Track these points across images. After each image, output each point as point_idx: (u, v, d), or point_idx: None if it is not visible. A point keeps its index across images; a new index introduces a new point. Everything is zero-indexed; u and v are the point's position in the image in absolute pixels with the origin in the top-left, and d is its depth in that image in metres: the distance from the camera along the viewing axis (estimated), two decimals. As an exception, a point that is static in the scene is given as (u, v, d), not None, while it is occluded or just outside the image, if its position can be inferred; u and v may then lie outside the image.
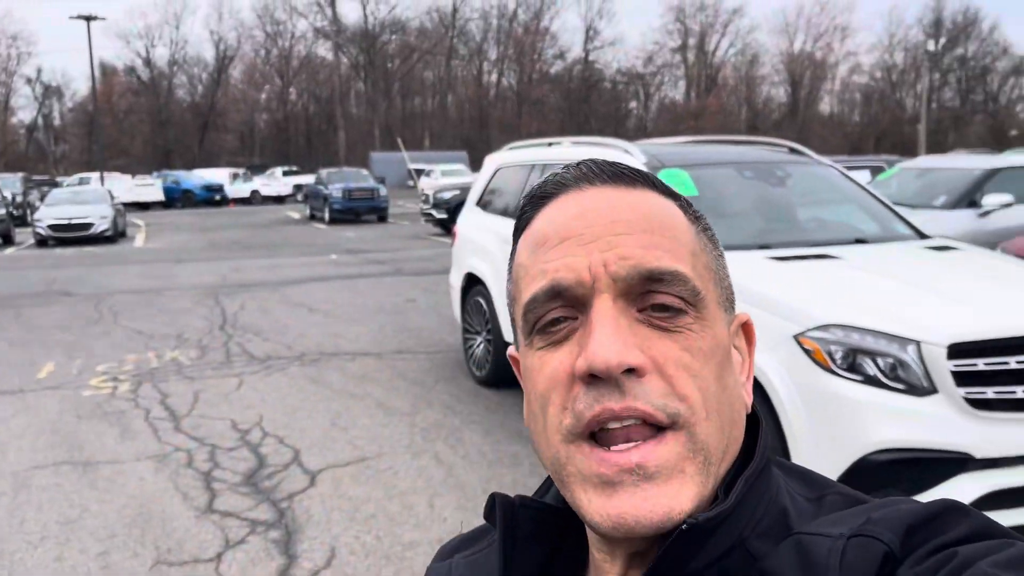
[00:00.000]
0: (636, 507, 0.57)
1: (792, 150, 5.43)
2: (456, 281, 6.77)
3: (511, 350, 0.73)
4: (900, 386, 3.23)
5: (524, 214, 0.69)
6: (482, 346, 6.33)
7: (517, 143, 6.67)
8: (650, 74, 73.84)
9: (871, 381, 3.26)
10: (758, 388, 3.51)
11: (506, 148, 6.77)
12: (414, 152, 49.37)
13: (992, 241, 6.61)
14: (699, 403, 0.59)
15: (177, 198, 36.89)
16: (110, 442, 5.21)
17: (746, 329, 0.71)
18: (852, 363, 3.30)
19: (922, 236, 4.67)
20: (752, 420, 0.68)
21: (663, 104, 75.64)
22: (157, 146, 66.81)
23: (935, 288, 3.55)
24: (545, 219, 0.66)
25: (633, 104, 76.85)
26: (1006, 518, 3.18)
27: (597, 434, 0.59)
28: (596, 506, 0.59)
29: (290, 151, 68.74)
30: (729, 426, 0.62)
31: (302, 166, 51.22)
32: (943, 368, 3.18)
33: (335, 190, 24.77)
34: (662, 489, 0.58)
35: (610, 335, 0.58)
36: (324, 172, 27.46)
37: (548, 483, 0.74)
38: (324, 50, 69.95)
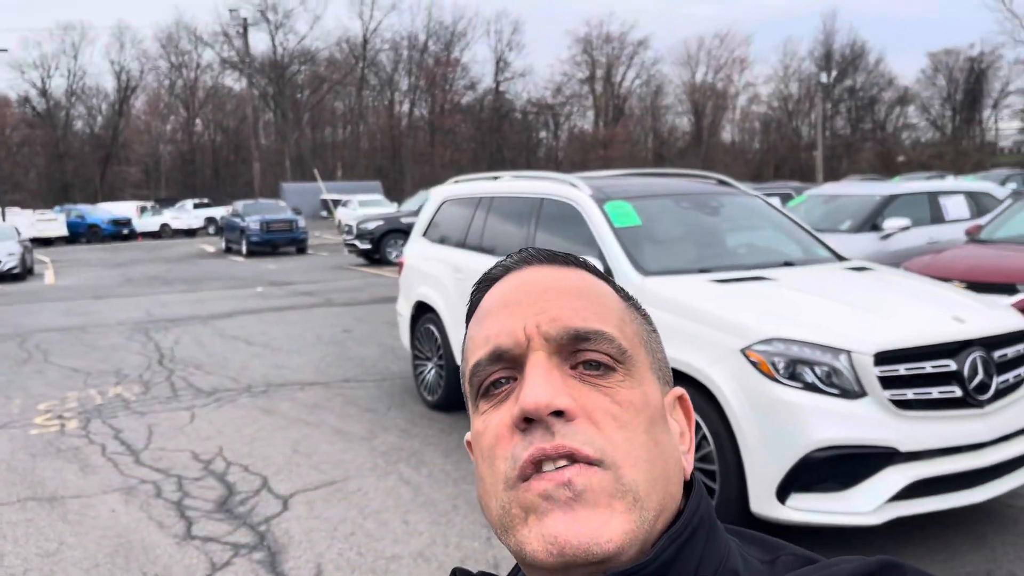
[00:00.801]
0: (567, 527, 0.60)
1: (720, 182, 5.92)
2: (405, 309, 7.00)
3: (468, 436, 0.74)
4: (835, 391, 3.67)
5: (474, 298, 0.76)
6: (433, 371, 6.57)
7: (463, 177, 6.98)
8: (559, 104, 75.46)
9: (810, 387, 3.68)
10: (711, 398, 3.90)
11: (451, 181, 7.07)
12: (329, 183, 49.13)
13: (894, 261, 7.26)
14: (625, 450, 0.63)
15: (82, 233, 35.65)
16: (71, 477, 5.22)
17: (683, 404, 0.74)
18: (793, 372, 3.72)
19: (840, 258, 5.19)
20: (689, 489, 0.70)
21: (573, 133, 77.34)
22: (54, 179, 64.32)
23: (860, 304, 4.03)
24: (490, 297, 0.72)
25: (544, 133, 78.28)
26: (926, 505, 3.66)
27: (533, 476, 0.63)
28: (534, 531, 0.61)
29: (196, 183, 67.20)
30: (664, 482, 0.65)
31: (211, 198, 50.19)
32: (871, 374, 3.63)
33: (252, 222, 24.49)
34: (591, 513, 0.61)
35: (541, 381, 0.64)
36: (240, 204, 27.11)
37: (515, 570, 0.75)
38: (231, 80, 68.91)
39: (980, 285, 6.45)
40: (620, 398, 0.65)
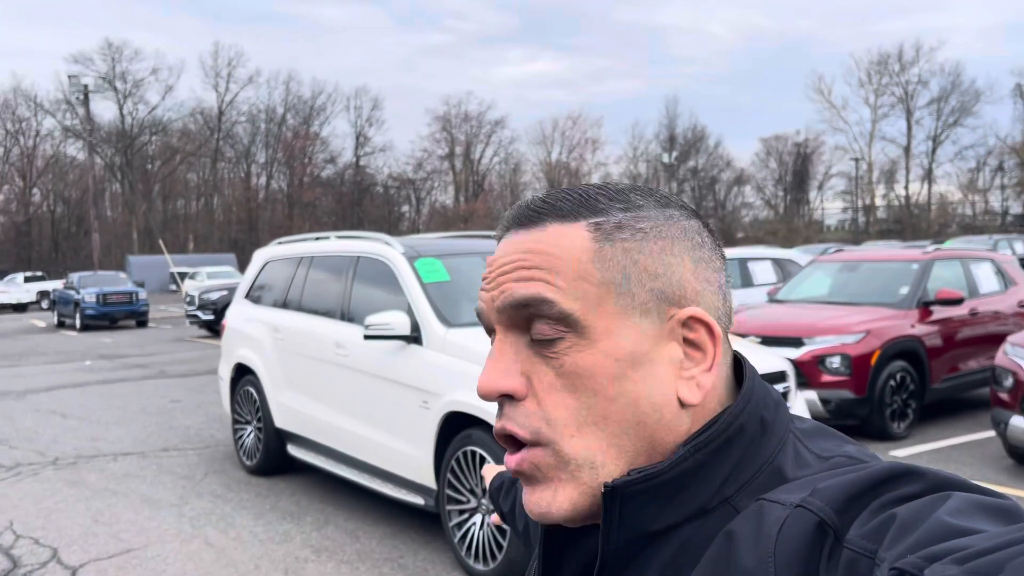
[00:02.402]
0: (529, 500, 0.68)
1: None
2: (225, 372, 6.87)
3: None
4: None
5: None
6: (252, 435, 6.44)
7: (285, 238, 7.00)
8: (420, 179, 76.39)
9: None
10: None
11: (274, 243, 7.08)
12: (179, 256, 47.26)
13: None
14: (563, 422, 0.65)
15: None
16: None
17: (697, 320, 0.68)
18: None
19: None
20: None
21: (434, 208, 78.25)
22: None
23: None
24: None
25: (406, 208, 78.81)
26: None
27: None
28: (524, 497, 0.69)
29: (32, 256, 63.04)
30: (634, 428, 0.66)
31: (48, 271, 47.21)
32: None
33: (88, 294, 23.20)
34: (539, 490, 0.67)
35: (490, 365, 0.68)
36: (76, 276, 25.64)
37: None
38: (74, 149, 65.79)
39: (772, 339, 7.03)
40: (565, 367, 0.65)
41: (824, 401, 6.86)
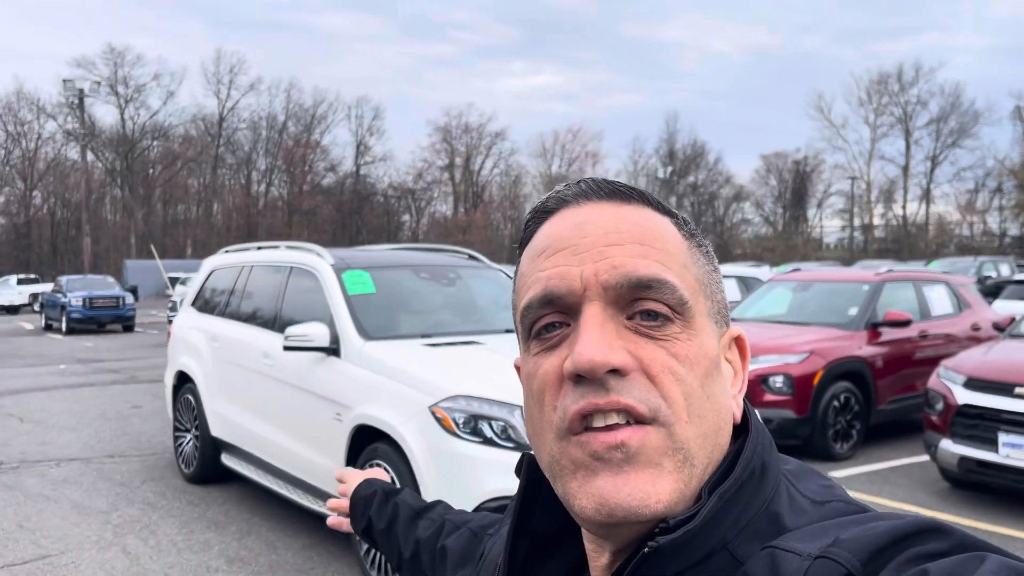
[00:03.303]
0: (616, 490, 0.59)
1: (471, 256, 6.26)
2: (168, 380, 6.89)
3: (515, 359, 0.73)
4: (510, 444, 3.92)
5: (527, 228, 0.72)
6: (191, 443, 6.45)
7: (232, 247, 7.03)
8: (420, 189, 76.58)
9: (488, 442, 3.92)
10: (397, 451, 4.07)
11: (222, 251, 7.11)
12: (176, 261, 47.30)
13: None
14: (680, 405, 0.61)
15: None
16: None
17: (739, 344, 0.71)
18: (474, 427, 3.96)
19: (566, 328, 5.58)
20: (743, 432, 0.68)
21: (434, 218, 78.43)
22: None
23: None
24: (544, 232, 0.68)
25: (406, 217, 78.97)
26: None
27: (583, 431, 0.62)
28: (584, 489, 0.61)
29: (31, 258, 63.23)
30: (713, 433, 0.63)
31: (45, 274, 47.33)
32: (540, 428, 3.91)
33: (74, 298, 23.26)
34: (640, 475, 0.60)
35: (596, 337, 0.61)
36: (64, 279, 25.74)
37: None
38: (76, 153, 66.06)
39: (716, 357, 7.02)
40: (677, 351, 0.62)
41: (766, 420, 6.85)
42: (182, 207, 72.54)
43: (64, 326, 23.30)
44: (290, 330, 4.87)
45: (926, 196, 63.38)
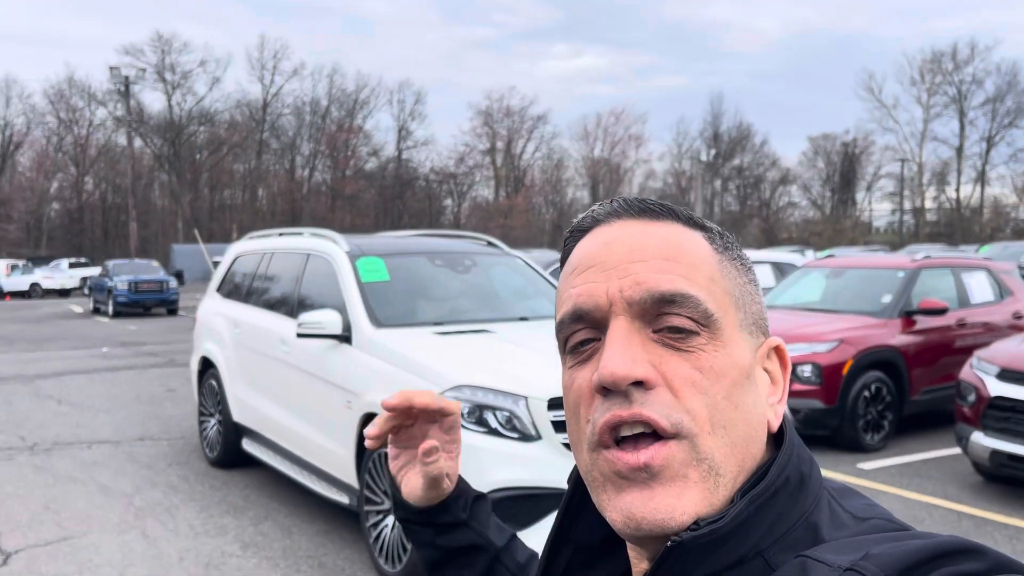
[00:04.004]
0: (643, 505, 0.62)
1: (489, 243, 6.20)
2: (193, 365, 6.98)
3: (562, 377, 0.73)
4: (515, 435, 3.88)
5: (565, 246, 0.75)
6: (215, 428, 6.53)
7: (256, 232, 7.07)
8: (462, 174, 76.64)
9: (493, 432, 3.88)
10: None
11: (247, 237, 7.16)
12: (221, 245, 48.13)
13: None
14: (703, 417, 0.63)
15: (-59, 291, 33.79)
16: None
17: (779, 353, 0.72)
18: (479, 417, 3.92)
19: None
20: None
21: (475, 203, 78.47)
22: (-74, 236, 60.93)
23: (548, 353, 4.27)
24: (577, 250, 0.71)
25: (448, 201, 79.15)
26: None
27: (619, 443, 0.64)
28: (613, 503, 0.63)
29: (84, 243, 64.85)
30: (744, 442, 0.65)
31: (96, 258, 48.49)
32: (545, 418, 3.86)
33: (120, 282, 23.80)
34: (666, 490, 0.62)
35: (620, 351, 0.63)
36: (111, 264, 26.32)
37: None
38: (125, 139, 67.47)
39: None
40: (702, 363, 0.64)
41: (794, 411, 6.70)
42: (228, 192, 73.67)
43: (111, 309, 23.87)
44: (303, 317, 4.87)
45: (981, 178, 61.53)
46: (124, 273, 24.82)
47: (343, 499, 4.75)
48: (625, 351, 0.63)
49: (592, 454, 0.65)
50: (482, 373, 4.04)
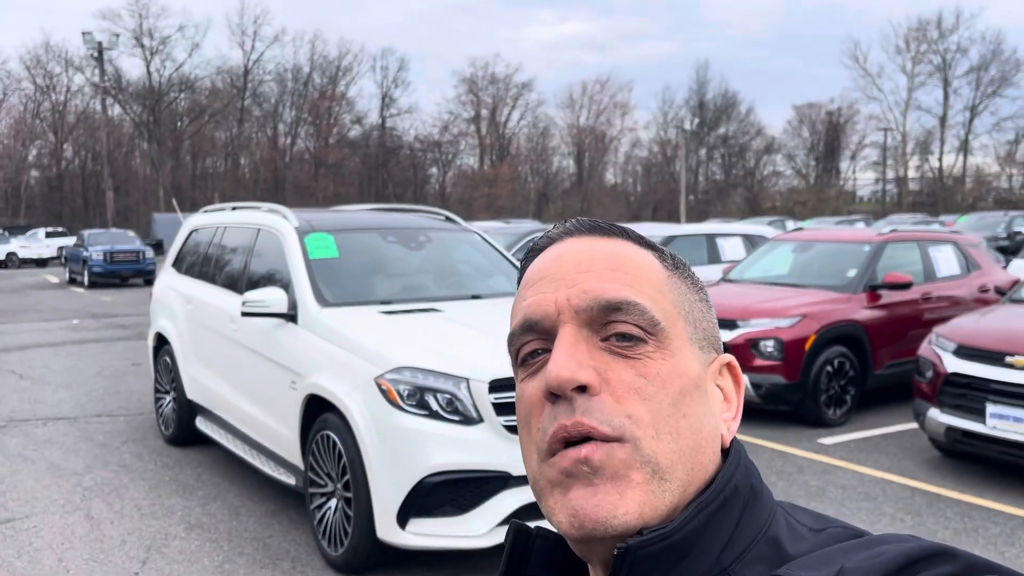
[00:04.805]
0: (586, 501, 0.62)
1: (448, 218, 6.08)
2: (150, 341, 6.86)
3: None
4: (456, 418, 3.80)
5: (523, 265, 0.76)
6: (170, 405, 6.43)
7: (210, 207, 6.92)
8: (447, 142, 75.99)
9: (433, 415, 3.80)
10: (344, 422, 3.97)
11: (202, 211, 7.01)
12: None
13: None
14: (646, 422, 0.63)
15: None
16: None
17: (731, 370, 0.73)
18: (420, 400, 3.83)
19: (539, 292, 5.41)
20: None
21: (461, 171, 77.93)
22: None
23: (493, 333, 4.19)
24: (531, 267, 0.73)
25: (433, 170, 78.53)
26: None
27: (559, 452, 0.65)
28: (560, 504, 0.64)
29: (64, 211, 64.05)
30: (691, 451, 0.65)
31: (77, 228, 47.91)
32: (486, 401, 3.78)
33: (95, 252, 23.51)
34: (608, 487, 0.62)
35: (564, 356, 0.64)
36: (86, 233, 25.99)
37: None
38: (106, 106, 66.37)
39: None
40: (647, 370, 0.65)
41: (755, 386, 6.67)
42: (210, 160, 72.79)
43: (86, 280, 23.60)
44: (247, 295, 4.76)
45: (964, 147, 61.60)
46: (100, 243, 24.51)
47: (290, 480, 4.67)
48: (571, 356, 0.64)
49: (541, 464, 0.66)
50: (424, 355, 3.95)
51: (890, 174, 64.72)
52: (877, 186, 69.29)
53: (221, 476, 5.67)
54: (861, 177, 72.37)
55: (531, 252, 0.75)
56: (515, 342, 0.70)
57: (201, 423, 5.98)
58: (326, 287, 4.77)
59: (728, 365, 0.73)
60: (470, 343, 4.13)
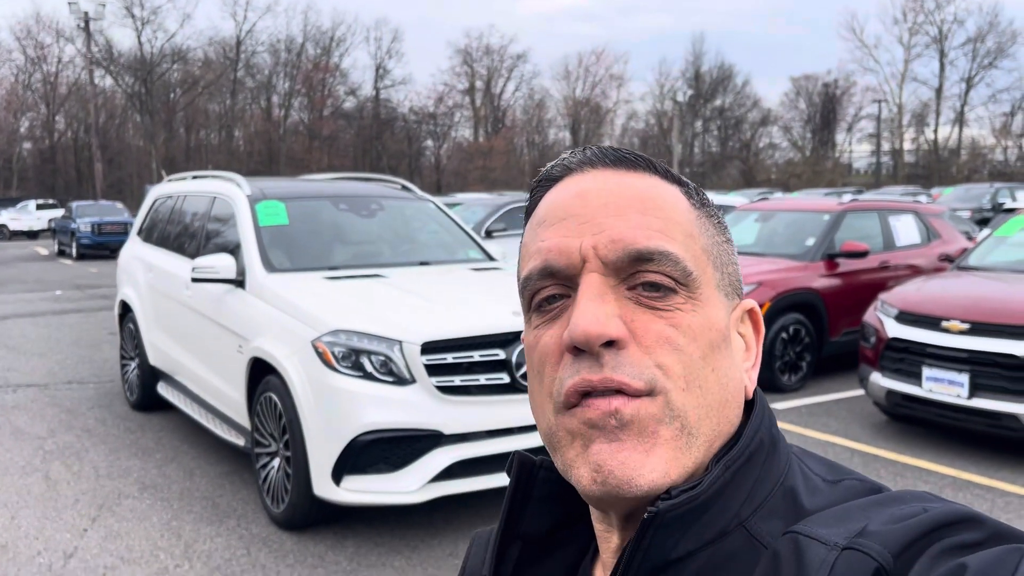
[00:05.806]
0: (611, 456, 0.58)
1: (404, 187, 6.16)
2: (116, 309, 6.96)
3: (523, 335, 0.70)
4: (389, 379, 3.91)
5: (533, 196, 0.70)
6: (135, 371, 6.54)
7: (175, 175, 6.99)
8: (442, 114, 75.61)
9: (367, 376, 3.91)
10: (284, 384, 4.08)
11: (166, 180, 7.07)
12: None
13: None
14: (678, 374, 0.60)
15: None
16: None
17: (752, 316, 0.70)
18: (355, 362, 3.94)
19: (490, 259, 5.51)
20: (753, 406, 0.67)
21: (456, 143, 77.62)
22: None
23: (437, 299, 4.29)
24: (547, 201, 0.67)
25: (428, 142, 78.20)
26: (468, 484, 3.94)
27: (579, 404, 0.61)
28: (581, 458, 0.60)
29: (57, 183, 63.89)
30: (719, 406, 0.62)
31: (64, 200, 47.87)
32: (418, 362, 3.89)
33: (84, 224, 23.56)
34: (634, 443, 0.59)
35: (591, 309, 0.59)
36: (75, 205, 26.02)
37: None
38: (98, 77, 65.90)
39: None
40: (678, 322, 0.61)
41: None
42: (204, 133, 72.45)
43: (74, 251, 23.66)
44: (197, 261, 4.85)
45: (959, 119, 61.40)
46: (88, 215, 24.56)
47: (239, 441, 4.79)
48: (598, 309, 0.60)
49: (557, 416, 0.62)
50: (359, 318, 4.05)
51: (886, 146, 64.58)
52: (873, 158, 69.16)
53: (180, 439, 5.80)
54: (857, 149, 72.16)
55: (544, 181, 0.69)
56: (530, 286, 0.65)
57: (162, 388, 6.09)
58: (274, 254, 4.86)
59: (750, 312, 0.69)
60: (408, 307, 4.23)
